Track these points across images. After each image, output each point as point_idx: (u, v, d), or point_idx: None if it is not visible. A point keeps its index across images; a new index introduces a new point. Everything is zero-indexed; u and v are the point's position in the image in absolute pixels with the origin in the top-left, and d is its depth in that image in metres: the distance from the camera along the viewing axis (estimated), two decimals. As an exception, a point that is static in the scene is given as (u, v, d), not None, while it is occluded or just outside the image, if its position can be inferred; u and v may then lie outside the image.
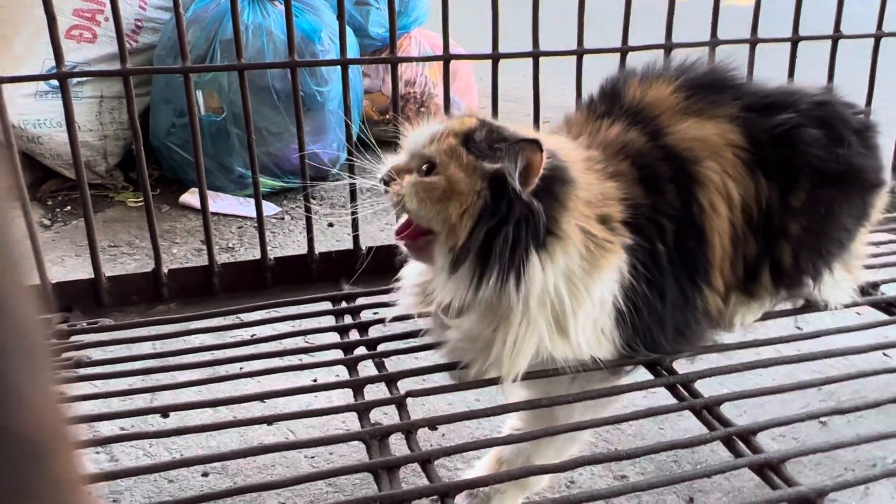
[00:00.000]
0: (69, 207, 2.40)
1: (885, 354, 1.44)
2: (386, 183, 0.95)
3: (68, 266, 2.07)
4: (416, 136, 0.96)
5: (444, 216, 0.90)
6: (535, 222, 0.89)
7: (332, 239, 2.22)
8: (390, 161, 0.98)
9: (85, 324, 1.22)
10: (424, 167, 0.93)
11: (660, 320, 0.98)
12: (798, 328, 1.46)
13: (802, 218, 1.01)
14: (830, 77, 1.57)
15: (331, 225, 2.31)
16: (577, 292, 0.93)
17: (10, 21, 2.31)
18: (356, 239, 1.36)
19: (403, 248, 0.99)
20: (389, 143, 1.07)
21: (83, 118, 2.36)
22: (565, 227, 0.91)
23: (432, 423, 0.98)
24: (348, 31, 2.36)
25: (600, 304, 0.94)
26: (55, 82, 1.21)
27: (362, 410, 0.97)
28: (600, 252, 0.93)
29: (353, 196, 1.30)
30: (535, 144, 0.88)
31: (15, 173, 1.25)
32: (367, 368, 1.10)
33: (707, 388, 1.03)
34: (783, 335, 1.14)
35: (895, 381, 1.39)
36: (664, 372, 1.04)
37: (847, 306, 1.17)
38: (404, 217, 0.96)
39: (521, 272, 0.89)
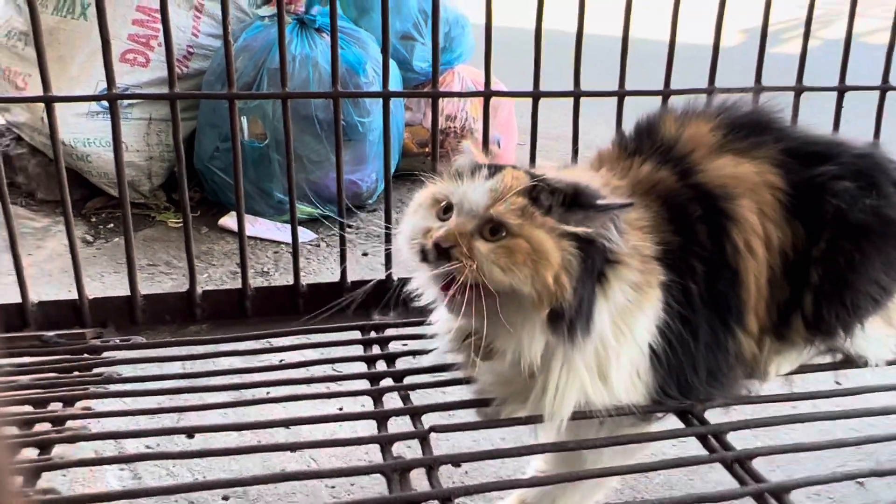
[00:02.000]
0: (112, 225, 2.46)
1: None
2: (441, 250, 0.87)
3: (107, 282, 2.11)
4: (471, 193, 0.89)
5: (535, 280, 0.85)
6: (602, 262, 0.88)
7: (366, 268, 2.22)
8: (435, 225, 0.90)
9: (118, 340, 1.24)
10: (488, 228, 0.87)
11: (693, 362, 0.96)
12: (837, 383, 1.41)
13: (821, 267, 0.99)
14: (877, 129, 1.54)
15: (365, 254, 2.32)
16: (622, 332, 0.92)
17: (69, 43, 2.40)
18: (388, 270, 1.37)
19: (442, 302, 0.92)
20: (422, 182, 1.03)
21: (131, 139, 2.42)
22: (620, 257, 0.90)
23: (455, 461, 0.96)
24: (392, 64, 2.39)
25: (640, 344, 0.93)
26: (106, 103, 1.24)
27: (385, 443, 0.96)
28: (644, 288, 0.91)
29: (387, 238, 1.31)
30: (629, 206, 0.89)
31: (62, 189, 1.28)
32: (393, 400, 1.09)
33: (739, 441, 1.00)
34: (821, 390, 1.11)
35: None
36: (696, 421, 1.01)
37: (890, 364, 1.13)
38: (441, 269, 0.87)
39: (591, 314, 0.88)
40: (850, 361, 1.12)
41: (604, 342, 0.91)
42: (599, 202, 0.89)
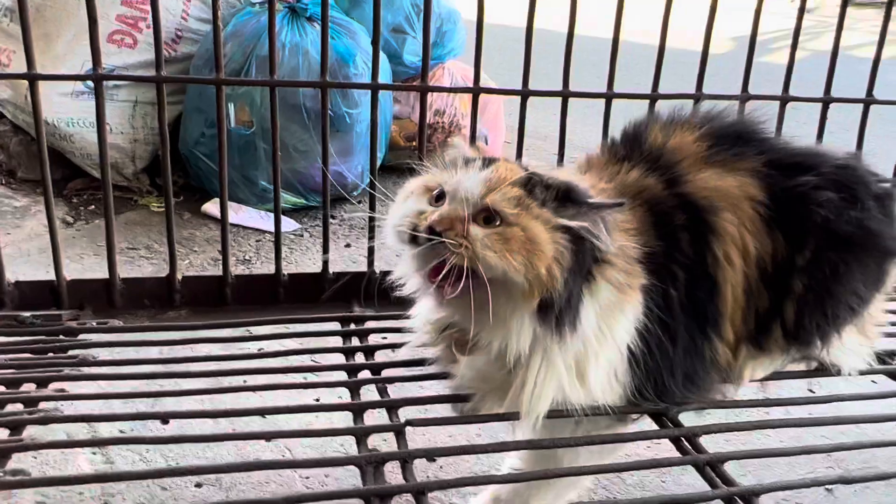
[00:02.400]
0: (93, 207, 2.43)
1: (898, 426, 1.41)
2: (435, 232, 0.86)
3: (86, 264, 2.09)
4: (466, 181, 0.90)
5: (528, 269, 0.85)
6: (590, 260, 0.89)
7: (349, 260, 2.22)
8: (429, 209, 0.90)
9: (95, 323, 1.23)
10: (482, 217, 0.88)
11: (670, 365, 0.96)
12: (811, 391, 1.43)
13: (805, 277, 1.00)
14: (860, 141, 1.56)
15: (348, 246, 2.31)
16: (603, 332, 0.92)
17: (55, 21, 2.37)
18: (370, 262, 1.36)
19: (430, 291, 0.91)
20: (413, 171, 1.02)
21: (116, 121, 2.40)
22: (607, 256, 0.90)
23: (430, 455, 0.96)
24: (383, 57, 2.39)
25: (619, 345, 0.93)
26: (91, 83, 1.22)
27: (360, 435, 0.96)
28: (626, 290, 0.92)
29: (371, 231, 1.30)
30: (619, 206, 0.89)
31: (43, 169, 1.26)
32: (370, 393, 1.09)
33: (712, 445, 1.01)
34: (795, 397, 1.12)
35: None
36: (670, 424, 1.02)
37: (863, 373, 1.14)
38: (433, 253, 0.86)
39: (579, 309, 0.89)
40: (823, 369, 1.13)
41: (584, 341, 0.91)
42: (591, 199, 0.90)
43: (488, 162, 0.93)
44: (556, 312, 0.87)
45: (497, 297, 0.86)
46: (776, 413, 1.18)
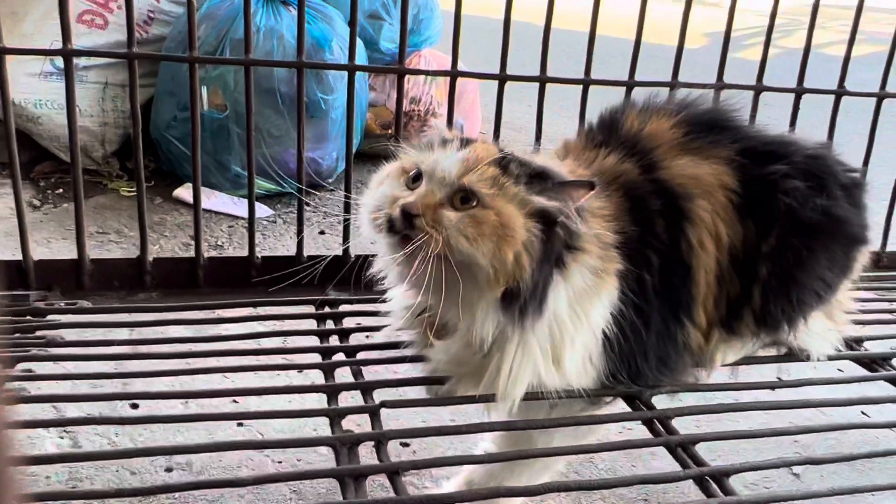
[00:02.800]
0: (60, 190, 2.38)
1: (862, 412, 1.44)
2: (409, 216, 0.85)
3: (53, 248, 2.05)
4: (444, 161, 0.89)
5: (496, 255, 0.85)
6: (561, 247, 0.89)
7: (323, 247, 2.21)
8: (403, 194, 0.88)
9: (63, 304, 1.20)
10: (459, 197, 0.87)
11: (644, 349, 0.97)
12: (779, 378, 1.45)
13: (770, 263, 1.01)
14: (831, 133, 1.58)
15: (322, 233, 2.30)
16: (578, 316, 0.92)
17: (23, -1, 2.31)
18: (345, 246, 1.36)
19: (396, 269, 0.91)
20: (388, 158, 1.01)
21: (85, 103, 2.35)
22: (581, 244, 0.91)
23: (405, 435, 0.96)
24: (359, 43, 2.37)
25: (594, 329, 0.94)
26: (60, 64, 1.19)
27: (334, 417, 0.96)
28: (602, 275, 0.93)
29: (346, 208, 1.29)
30: (590, 186, 0.89)
31: (11, 149, 1.23)
32: (345, 376, 1.09)
33: (684, 427, 1.02)
34: (764, 381, 1.14)
35: (871, 437, 1.39)
36: (643, 406, 1.03)
37: (830, 359, 1.16)
38: (409, 246, 0.86)
39: (545, 298, 0.88)
40: (792, 355, 1.15)
41: (560, 325, 0.92)
42: (565, 178, 0.90)
43: (466, 142, 0.93)
44: (521, 302, 0.87)
45: (465, 282, 0.86)
46: (746, 397, 1.20)
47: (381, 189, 0.93)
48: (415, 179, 0.91)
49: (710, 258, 1.00)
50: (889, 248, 1.68)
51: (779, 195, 1.01)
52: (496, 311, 0.88)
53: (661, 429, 1.00)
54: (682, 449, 0.96)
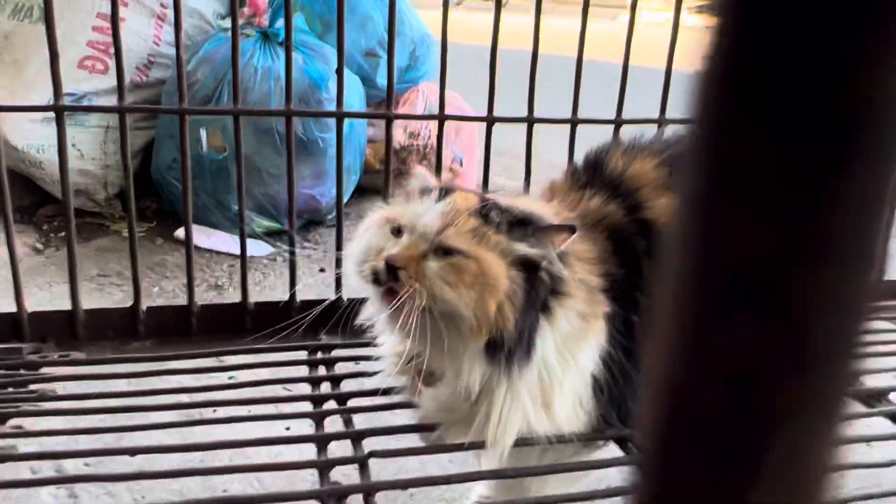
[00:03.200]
0: (63, 233, 2.41)
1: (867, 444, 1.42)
2: (391, 271, 0.87)
3: (55, 292, 2.07)
4: (422, 216, 0.89)
5: (478, 304, 0.85)
6: (546, 293, 0.89)
7: (323, 285, 2.21)
8: (387, 245, 0.90)
9: (56, 356, 1.21)
10: (441, 251, 0.88)
11: (634, 391, 0.97)
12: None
13: None
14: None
15: (322, 270, 2.31)
16: (567, 361, 0.92)
17: (24, 46, 2.36)
18: (338, 291, 1.36)
19: (384, 319, 0.92)
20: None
21: (87, 146, 2.39)
22: (566, 289, 0.90)
23: (393, 487, 0.96)
24: (355, 80, 2.39)
25: (583, 373, 0.94)
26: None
27: (323, 468, 0.95)
28: (589, 319, 0.93)
29: (337, 263, 1.30)
30: (571, 230, 0.89)
31: (3, 198, 1.24)
32: (336, 423, 1.08)
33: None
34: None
35: (875, 474, 1.37)
36: (635, 449, 1.02)
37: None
38: (394, 301, 0.87)
39: (532, 345, 0.88)
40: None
41: (549, 370, 0.91)
42: (546, 223, 0.90)
43: (445, 192, 0.94)
44: (506, 351, 0.87)
45: (450, 332, 0.87)
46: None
47: (365, 238, 0.94)
48: (398, 232, 0.92)
49: None
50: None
51: None
52: (482, 360, 0.89)
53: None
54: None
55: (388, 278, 0.87)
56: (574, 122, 1.37)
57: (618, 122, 1.40)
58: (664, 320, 0.23)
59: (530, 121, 1.36)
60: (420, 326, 0.85)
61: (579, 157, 1.16)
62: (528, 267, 0.89)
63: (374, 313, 0.98)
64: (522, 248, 0.89)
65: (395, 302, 0.86)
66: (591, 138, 1.25)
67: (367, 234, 0.95)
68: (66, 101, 1.22)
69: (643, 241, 1.00)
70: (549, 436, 0.95)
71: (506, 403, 0.92)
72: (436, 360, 0.91)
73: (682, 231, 0.22)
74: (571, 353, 0.93)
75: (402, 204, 0.96)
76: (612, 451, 1.05)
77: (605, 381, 0.95)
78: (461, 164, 2.77)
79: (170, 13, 2.48)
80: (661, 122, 1.40)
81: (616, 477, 1.32)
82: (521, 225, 0.91)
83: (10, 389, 1.11)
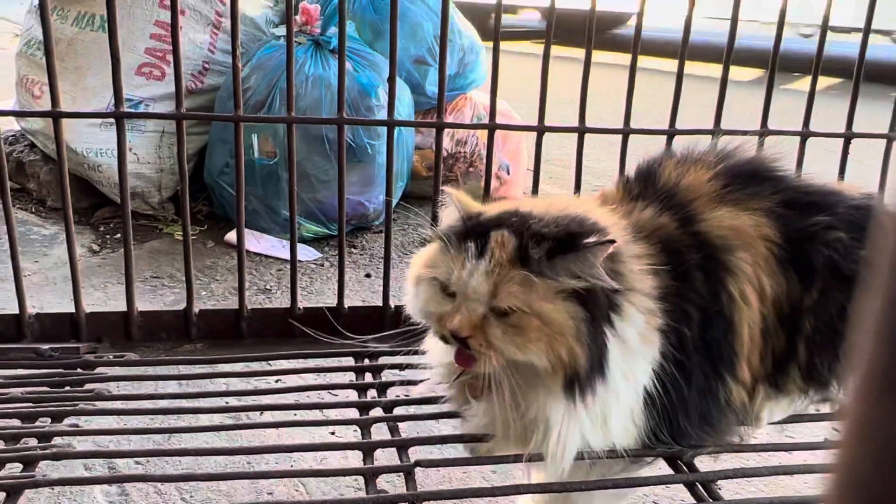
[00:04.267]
0: (119, 235, 2.47)
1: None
2: (458, 339, 0.89)
3: (110, 293, 2.12)
4: (469, 282, 0.88)
5: (549, 353, 0.87)
6: (608, 307, 0.89)
7: (369, 290, 2.22)
8: (444, 309, 0.91)
9: (111, 356, 1.24)
10: (498, 311, 0.88)
11: (685, 406, 0.95)
12: (828, 438, 1.39)
13: (813, 316, 0.98)
14: (882, 178, 1.53)
15: (368, 276, 2.32)
16: (624, 373, 0.91)
17: (87, 54, 2.43)
18: (385, 297, 1.37)
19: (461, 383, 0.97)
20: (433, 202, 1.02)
21: (143, 150, 2.44)
22: (623, 300, 0.90)
23: (438, 497, 0.95)
24: (405, 88, 2.41)
25: (637, 387, 0.93)
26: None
27: (369, 476, 0.96)
28: (645, 332, 0.91)
29: (386, 258, 1.31)
30: (609, 243, 0.88)
31: (65, 201, 1.29)
32: (382, 430, 1.09)
33: (729, 490, 0.99)
34: (814, 441, 1.09)
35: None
36: (685, 468, 1.00)
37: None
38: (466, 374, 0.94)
39: (605, 364, 0.89)
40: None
41: (609, 384, 0.91)
42: (583, 241, 0.87)
43: (479, 239, 0.90)
44: (583, 381, 0.88)
45: (526, 380, 0.89)
46: (801, 457, 1.15)
47: (419, 296, 0.95)
48: (447, 290, 0.91)
49: (753, 311, 0.98)
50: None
51: (819, 247, 0.98)
52: (560, 396, 0.90)
53: (704, 493, 0.97)
54: (727, 516, 0.93)
55: (458, 343, 0.90)
56: (626, 133, 1.36)
57: (671, 133, 1.38)
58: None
59: (581, 130, 1.35)
60: (497, 383, 0.88)
61: (630, 168, 1.15)
62: (583, 292, 0.88)
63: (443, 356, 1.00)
64: (572, 284, 0.87)
65: (472, 367, 0.90)
66: (644, 147, 1.24)
67: (419, 290, 0.95)
68: (125, 106, 1.26)
69: (696, 253, 0.98)
70: (601, 450, 0.94)
71: (565, 422, 0.91)
72: (513, 410, 0.91)
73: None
74: (629, 365, 0.91)
75: (443, 257, 0.93)
76: (659, 466, 1.03)
77: (657, 395, 0.93)
78: (508, 172, 2.76)
79: (225, 22, 2.53)
80: (715, 132, 1.37)
81: (662, 494, 1.30)
82: (562, 250, 0.88)
83: (68, 388, 1.14)
